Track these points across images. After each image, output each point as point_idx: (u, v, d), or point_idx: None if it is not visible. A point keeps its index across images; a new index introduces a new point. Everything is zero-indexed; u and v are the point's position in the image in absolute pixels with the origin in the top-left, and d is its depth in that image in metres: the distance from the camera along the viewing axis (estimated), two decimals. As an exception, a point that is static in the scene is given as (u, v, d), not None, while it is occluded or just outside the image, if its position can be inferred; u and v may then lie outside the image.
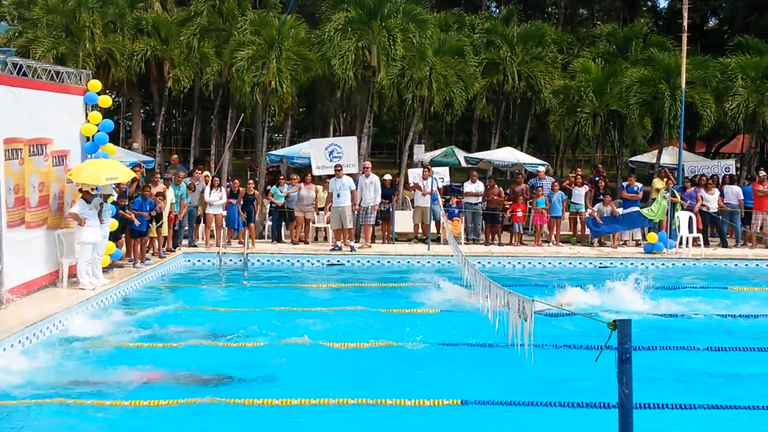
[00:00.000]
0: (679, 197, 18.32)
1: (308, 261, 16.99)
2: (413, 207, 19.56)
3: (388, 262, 17.15)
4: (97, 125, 13.68)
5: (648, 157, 26.74)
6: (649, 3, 42.91)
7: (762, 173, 19.47)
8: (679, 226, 18.06)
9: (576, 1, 42.97)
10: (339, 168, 17.86)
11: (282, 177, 19.88)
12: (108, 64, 25.13)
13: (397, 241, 18.91)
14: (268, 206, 18.85)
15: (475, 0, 38.25)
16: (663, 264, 17.29)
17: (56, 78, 12.93)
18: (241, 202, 17.39)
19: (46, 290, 12.29)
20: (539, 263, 17.16)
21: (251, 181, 18.62)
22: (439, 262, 16.81)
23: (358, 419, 7.74)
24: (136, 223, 14.46)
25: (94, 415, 7.66)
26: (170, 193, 15.95)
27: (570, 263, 17.00)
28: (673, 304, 12.90)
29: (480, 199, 18.99)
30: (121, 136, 33.83)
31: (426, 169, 19.45)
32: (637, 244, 18.99)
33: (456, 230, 18.07)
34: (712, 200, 18.89)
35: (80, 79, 13.65)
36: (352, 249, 17.48)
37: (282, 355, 9.84)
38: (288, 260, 17.01)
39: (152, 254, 15.60)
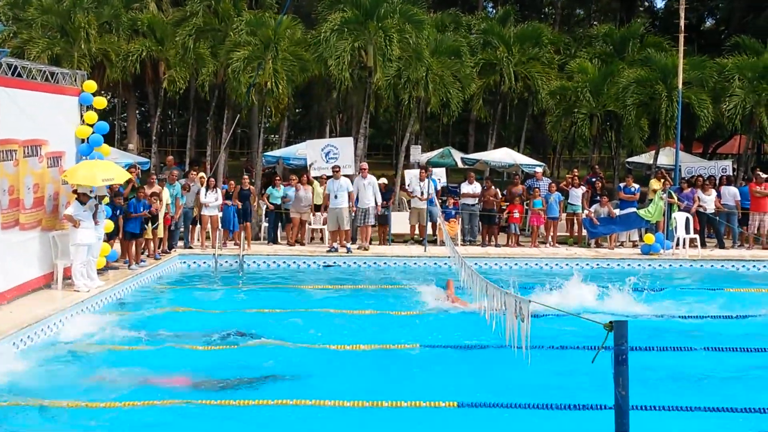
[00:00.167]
0: (676, 198, 18.31)
1: (304, 262, 16.94)
2: (410, 208, 19.52)
3: (385, 263, 17.10)
4: (92, 126, 13.61)
5: (645, 158, 26.75)
6: (646, 3, 43.00)
7: (759, 174, 19.48)
8: (676, 227, 18.05)
9: (573, 2, 43.05)
10: (337, 169, 17.81)
11: (278, 178, 19.82)
12: (103, 65, 25.08)
13: (394, 242, 18.87)
14: (264, 207, 18.80)
15: (472, 0, 38.31)
16: (660, 265, 17.27)
17: (51, 79, 12.86)
18: (238, 199, 17.36)
19: (41, 292, 12.22)
20: (536, 264, 17.13)
21: (246, 177, 18.55)
22: (435, 263, 16.78)
23: (354, 421, 7.70)
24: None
25: (87, 418, 7.61)
26: (165, 193, 15.90)
27: (567, 264, 16.97)
28: (669, 305, 12.88)
29: (477, 200, 18.97)
30: (117, 137, 33.83)
31: (422, 171, 19.42)
32: (634, 245, 18.98)
33: (452, 231, 18.04)
34: (709, 201, 18.89)
35: (75, 80, 13.59)
36: (349, 250, 17.43)
37: (277, 356, 9.80)
38: (284, 262, 16.96)
39: (147, 256, 15.54)
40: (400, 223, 19.30)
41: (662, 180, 19.50)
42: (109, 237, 13.75)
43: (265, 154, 24.19)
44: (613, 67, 24.76)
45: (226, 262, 16.66)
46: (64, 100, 13.20)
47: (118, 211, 14.03)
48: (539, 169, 21.46)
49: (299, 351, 10.08)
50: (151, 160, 25.78)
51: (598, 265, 16.87)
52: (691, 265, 17.25)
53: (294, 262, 16.94)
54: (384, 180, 19.79)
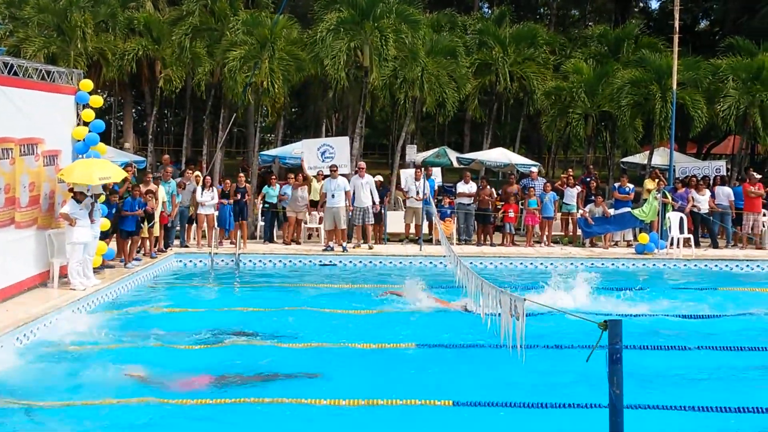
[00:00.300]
0: (670, 198, 18.39)
1: (300, 261, 16.97)
2: (405, 208, 19.57)
3: (380, 262, 17.15)
4: (87, 124, 13.62)
5: (639, 158, 26.85)
6: (641, 4, 43.06)
7: (753, 174, 19.56)
8: (670, 227, 18.13)
9: (568, 2, 43.12)
10: (335, 168, 17.84)
11: (274, 177, 19.83)
12: (99, 64, 25.07)
13: (389, 241, 18.91)
14: (260, 206, 18.83)
15: (468, 1, 38.36)
16: (654, 264, 17.35)
17: (47, 77, 12.87)
18: (237, 196, 17.39)
19: (37, 290, 12.23)
20: (531, 264, 17.20)
21: (242, 174, 18.56)
22: (431, 262, 16.84)
23: (350, 420, 7.74)
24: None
25: (84, 415, 7.63)
26: (161, 191, 15.92)
27: (561, 263, 17.03)
28: (662, 304, 12.95)
29: (472, 199, 19.02)
30: (113, 136, 33.71)
31: (418, 170, 19.47)
32: (629, 245, 19.06)
33: (448, 231, 18.09)
34: (703, 201, 18.98)
35: (71, 79, 13.60)
36: (344, 249, 17.47)
37: (274, 355, 9.84)
38: (280, 261, 16.99)
39: (144, 254, 15.56)
40: (395, 222, 19.35)
41: (656, 180, 19.59)
42: (105, 236, 13.77)
43: (262, 153, 24.19)
44: (607, 67, 24.82)
45: (222, 260, 16.70)
46: (60, 99, 13.22)
47: (113, 209, 14.05)
48: (534, 169, 21.55)
49: (294, 350, 10.13)
50: (148, 159, 25.77)
51: (592, 264, 16.95)
52: (685, 265, 17.34)
53: (290, 261, 16.97)
54: (380, 178, 19.83)
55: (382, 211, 18.81)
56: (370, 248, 17.73)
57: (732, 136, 31.02)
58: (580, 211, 18.84)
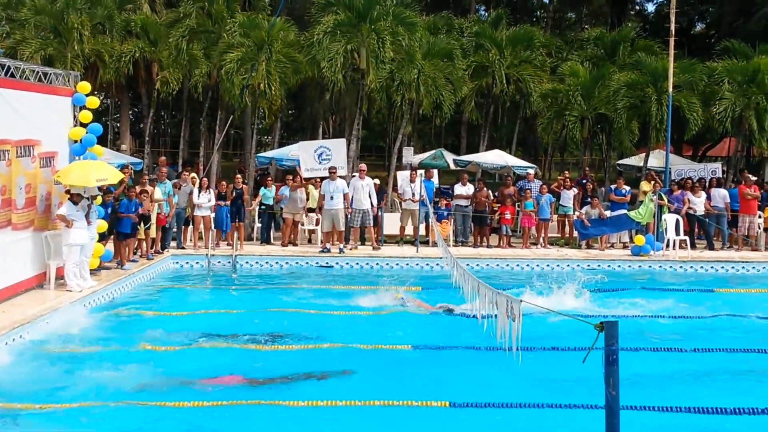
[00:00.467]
0: (666, 200, 18.43)
1: (297, 263, 16.98)
2: (401, 210, 19.59)
3: (377, 264, 17.17)
4: (86, 126, 13.62)
5: (635, 161, 26.92)
6: (637, 7, 43.19)
7: (748, 176, 19.60)
8: (666, 229, 18.18)
9: (564, 5, 43.20)
10: (333, 170, 17.86)
11: (270, 179, 19.83)
12: (96, 66, 25.03)
13: (386, 243, 18.93)
14: (257, 208, 18.83)
15: (464, 3, 38.42)
16: (650, 266, 17.39)
17: (44, 79, 12.87)
18: (233, 196, 17.40)
19: (33, 292, 12.23)
20: (527, 265, 17.23)
21: (239, 176, 18.58)
22: (427, 264, 16.86)
23: (346, 421, 7.75)
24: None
25: (78, 418, 7.62)
26: (158, 192, 15.92)
27: (558, 265, 17.07)
28: (659, 306, 12.98)
29: (469, 201, 19.04)
30: (110, 137, 33.72)
31: (413, 172, 19.46)
32: (625, 247, 19.11)
33: (445, 232, 18.12)
34: (698, 203, 19.04)
35: (68, 81, 13.60)
36: (341, 251, 17.49)
37: (270, 357, 9.85)
38: (277, 262, 17.00)
39: (140, 256, 15.56)
40: (392, 224, 19.37)
41: (652, 182, 19.63)
42: (102, 237, 13.77)
43: (258, 155, 24.21)
44: (604, 70, 24.88)
45: (219, 262, 16.70)
46: (57, 101, 13.21)
47: (107, 209, 14.05)
48: (531, 171, 21.58)
49: (292, 351, 10.13)
50: (144, 161, 25.76)
51: (588, 266, 16.99)
52: (681, 267, 17.38)
53: (287, 263, 16.98)
54: (377, 181, 19.85)
55: (379, 213, 18.83)
56: (376, 249, 17.78)
57: (727, 139, 31.13)
58: (577, 213, 18.89)
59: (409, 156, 24.59)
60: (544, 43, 28.36)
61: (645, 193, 19.27)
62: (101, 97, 30.64)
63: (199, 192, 17.15)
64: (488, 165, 24.13)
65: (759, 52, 23.57)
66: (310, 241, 19.19)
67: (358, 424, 7.73)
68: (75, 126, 13.60)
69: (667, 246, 18.11)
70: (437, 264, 16.28)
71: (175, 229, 17.29)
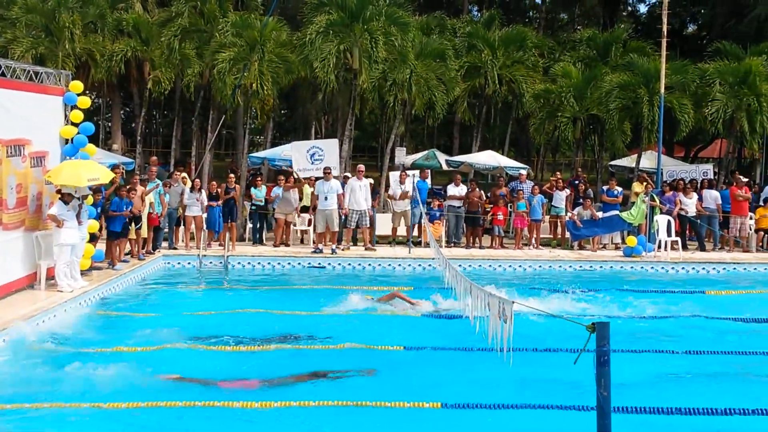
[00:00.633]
0: (658, 201, 18.49)
1: (289, 263, 16.95)
2: (393, 210, 19.57)
3: (369, 265, 17.15)
4: (77, 125, 13.56)
5: (627, 161, 27.01)
6: (629, 8, 43.33)
7: (740, 178, 19.67)
8: (657, 230, 18.23)
9: (557, 6, 43.30)
10: (328, 171, 17.83)
11: (260, 179, 19.73)
12: (88, 65, 24.96)
13: (378, 243, 18.91)
14: (248, 208, 18.78)
15: (457, 4, 38.52)
16: (642, 267, 17.44)
17: (35, 78, 12.81)
18: (226, 196, 17.37)
19: (24, 292, 12.17)
20: (519, 266, 17.25)
21: (231, 175, 18.52)
22: (420, 264, 16.86)
23: (338, 421, 7.73)
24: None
25: (68, 418, 7.58)
26: (148, 190, 15.87)
27: (550, 266, 17.09)
28: (651, 307, 13.01)
29: (462, 202, 19.05)
30: (101, 137, 33.55)
31: (403, 173, 19.42)
32: (617, 248, 19.16)
33: (437, 233, 18.12)
34: (690, 204, 19.10)
35: (59, 80, 13.54)
36: (333, 251, 17.46)
37: (261, 358, 9.82)
38: (269, 263, 16.96)
39: (131, 256, 15.50)
40: (384, 224, 19.35)
41: (644, 183, 19.68)
42: (92, 238, 13.71)
43: (250, 155, 24.17)
44: (596, 71, 24.95)
45: (211, 262, 16.66)
46: (48, 100, 13.14)
47: (97, 207, 14.00)
48: (523, 172, 21.62)
49: (284, 351, 10.11)
50: (136, 161, 25.68)
51: (581, 267, 17.00)
52: (672, 268, 17.43)
53: (279, 263, 16.95)
54: (371, 181, 19.85)
55: (372, 213, 18.82)
56: (372, 250, 17.77)
57: (719, 140, 31.25)
58: (569, 214, 18.92)
59: (402, 156, 24.60)
60: (537, 43, 28.42)
61: (637, 194, 19.31)
62: (93, 97, 30.47)
63: (191, 192, 17.08)
64: (481, 166, 24.16)
65: (750, 54, 23.69)
66: (302, 241, 19.17)
67: (344, 425, 7.71)
68: (66, 125, 13.54)
69: (659, 247, 18.16)
70: (429, 265, 16.28)
71: (166, 230, 17.24)
